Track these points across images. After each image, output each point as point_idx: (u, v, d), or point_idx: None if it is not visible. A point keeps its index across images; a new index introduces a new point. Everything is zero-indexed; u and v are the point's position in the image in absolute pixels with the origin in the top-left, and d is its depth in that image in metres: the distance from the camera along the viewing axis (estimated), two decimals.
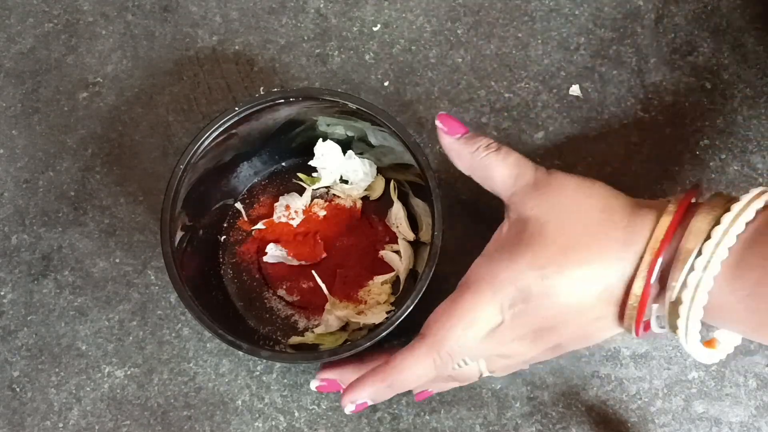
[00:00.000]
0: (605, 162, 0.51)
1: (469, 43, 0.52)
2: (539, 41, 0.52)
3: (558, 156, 0.51)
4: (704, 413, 0.48)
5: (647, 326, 0.42)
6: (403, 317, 0.39)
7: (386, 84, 0.52)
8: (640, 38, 0.52)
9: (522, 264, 0.39)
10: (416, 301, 0.40)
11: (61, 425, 0.48)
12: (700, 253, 0.37)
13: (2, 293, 0.50)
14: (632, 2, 0.53)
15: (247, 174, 0.48)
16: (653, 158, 0.51)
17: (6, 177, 0.51)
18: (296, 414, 0.48)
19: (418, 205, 0.47)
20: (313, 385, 0.44)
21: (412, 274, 0.47)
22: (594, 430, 0.48)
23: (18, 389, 0.48)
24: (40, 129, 0.52)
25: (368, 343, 0.39)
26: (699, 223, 0.37)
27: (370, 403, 0.41)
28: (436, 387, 0.45)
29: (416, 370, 0.39)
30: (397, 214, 0.47)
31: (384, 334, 0.39)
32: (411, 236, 0.47)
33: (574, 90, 0.52)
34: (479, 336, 0.40)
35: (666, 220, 0.38)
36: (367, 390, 0.40)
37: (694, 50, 0.52)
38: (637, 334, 0.40)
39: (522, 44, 0.52)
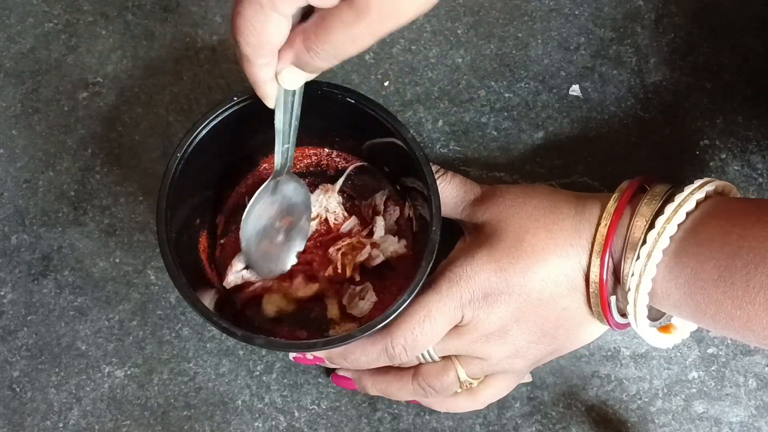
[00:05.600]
0: (605, 162, 0.51)
1: (469, 43, 0.52)
2: (539, 41, 0.52)
3: (558, 156, 0.51)
4: (704, 413, 0.48)
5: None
6: (400, 309, 0.40)
7: (386, 84, 0.52)
8: (640, 38, 0.52)
9: (479, 259, 0.41)
10: (413, 294, 0.40)
11: (61, 425, 0.48)
12: (644, 241, 0.39)
13: (2, 293, 0.50)
14: (632, 2, 0.53)
15: (246, 165, 0.48)
16: (653, 158, 0.51)
17: (6, 177, 0.51)
18: (296, 414, 0.48)
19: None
20: (292, 355, 0.47)
21: None
22: (594, 430, 0.48)
23: (18, 389, 0.48)
24: (40, 129, 0.52)
25: (361, 335, 0.39)
26: (644, 209, 0.40)
27: (327, 363, 0.45)
28: (422, 400, 0.46)
29: (367, 352, 0.43)
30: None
31: (379, 327, 0.39)
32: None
33: (574, 90, 0.52)
34: (438, 330, 0.41)
35: (612, 206, 0.41)
36: (325, 353, 0.45)
37: (694, 50, 0.52)
38: (609, 324, 0.42)
39: (522, 44, 0.52)
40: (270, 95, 0.37)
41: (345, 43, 0.33)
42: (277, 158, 0.42)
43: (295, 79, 0.37)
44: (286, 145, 0.41)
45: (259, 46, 0.34)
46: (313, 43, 0.34)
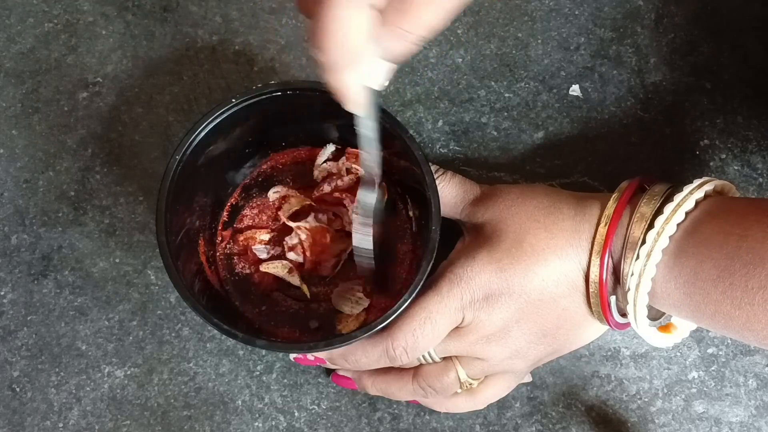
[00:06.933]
0: (605, 162, 0.51)
1: (469, 43, 0.52)
2: (539, 41, 0.52)
3: (558, 156, 0.51)
4: (704, 413, 0.48)
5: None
6: (400, 310, 0.40)
7: (386, 84, 0.52)
8: (640, 38, 0.52)
9: (479, 260, 0.41)
10: (413, 295, 0.40)
11: (61, 425, 0.48)
12: (644, 241, 0.39)
13: (2, 293, 0.50)
14: (632, 2, 0.53)
15: (244, 166, 0.48)
16: (653, 158, 0.51)
17: (6, 177, 0.51)
18: (296, 414, 0.48)
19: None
20: (292, 355, 0.47)
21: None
22: (594, 430, 0.48)
23: (18, 389, 0.48)
24: (40, 129, 0.52)
25: (363, 336, 0.39)
26: (643, 209, 0.40)
27: (327, 363, 0.45)
28: (422, 400, 0.46)
29: (368, 353, 0.43)
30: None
31: (380, 327, 0.39)
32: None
33: (574, 90, 0.52)
34: (439, 332, 0.41)
35: (612, 206, 0.41)
36: (326, 354, 0.45)
37: (694, 50, 0.52)
38: (609, 324, 0.42)
39: (522, 44, 0.52)
40: (362, 102, 0.34)
41: (434, 17, 0.31)
42: (375, 166, 0.39)
43: (385, 74, 0.33)
44: (380, 151, 0.38)
45: (349, 49, 0.30)
46: (402, 27, 0.31)
